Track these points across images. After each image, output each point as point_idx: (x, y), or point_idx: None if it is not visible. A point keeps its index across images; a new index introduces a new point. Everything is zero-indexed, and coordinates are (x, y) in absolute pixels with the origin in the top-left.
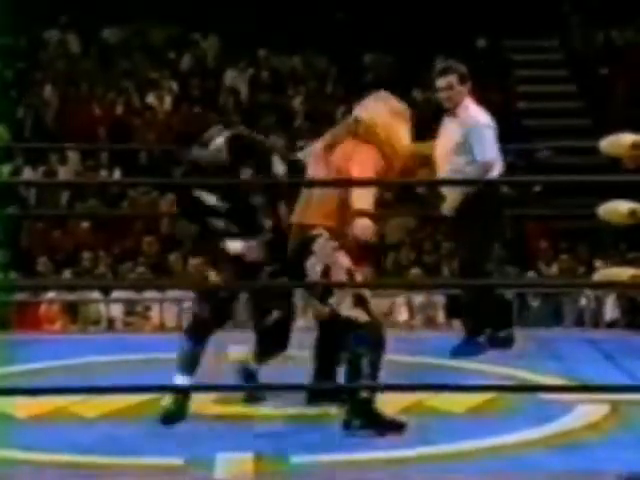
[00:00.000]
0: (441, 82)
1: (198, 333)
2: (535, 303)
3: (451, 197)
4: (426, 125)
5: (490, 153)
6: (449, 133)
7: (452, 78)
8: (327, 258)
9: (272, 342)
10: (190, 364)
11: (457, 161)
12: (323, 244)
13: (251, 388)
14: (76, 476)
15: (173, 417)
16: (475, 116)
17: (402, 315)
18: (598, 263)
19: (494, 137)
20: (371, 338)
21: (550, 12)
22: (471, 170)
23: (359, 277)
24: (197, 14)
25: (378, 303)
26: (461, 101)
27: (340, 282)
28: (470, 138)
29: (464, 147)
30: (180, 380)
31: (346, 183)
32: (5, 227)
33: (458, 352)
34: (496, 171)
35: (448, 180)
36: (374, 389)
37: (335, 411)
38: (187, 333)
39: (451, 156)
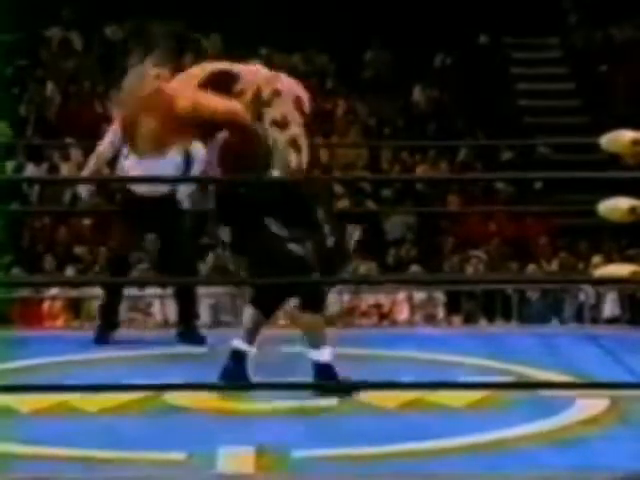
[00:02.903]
0: None
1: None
2: (535, 299)
3: None
4: (426, 123)
5: None
6: None
7: None
8: None
9: None
10: None
11: None
12: None
13: (250, 387)
14: (78, 470)
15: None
16: None
17: (403, 312)
18: (597, 259)
19: None
20: None
21: (550, 10)
22: None
23: None
24: (199, 12)
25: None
26: None
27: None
28: None
29: None
30: None
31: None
32: (7, 224)
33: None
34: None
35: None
36: (373, 388)
37: (337, 405)
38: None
39: None
